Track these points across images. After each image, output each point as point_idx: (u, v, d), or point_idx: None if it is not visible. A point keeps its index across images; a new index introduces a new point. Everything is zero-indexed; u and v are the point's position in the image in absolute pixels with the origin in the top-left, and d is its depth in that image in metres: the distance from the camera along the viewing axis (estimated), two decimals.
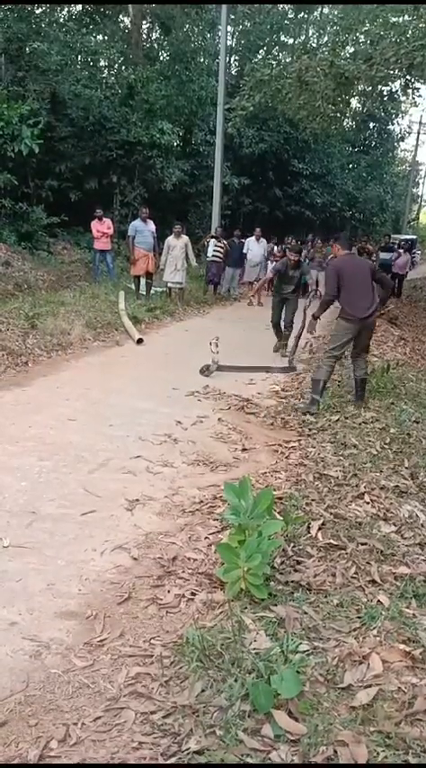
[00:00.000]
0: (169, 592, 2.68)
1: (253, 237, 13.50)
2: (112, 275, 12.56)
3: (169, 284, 11.36)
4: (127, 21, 20.22)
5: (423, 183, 51.92)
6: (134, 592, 2.69)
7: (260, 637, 2.29)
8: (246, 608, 2.50)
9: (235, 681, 2.04)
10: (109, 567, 2.88)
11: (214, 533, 3.22)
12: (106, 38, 18.92)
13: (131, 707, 2.01)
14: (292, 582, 2.72)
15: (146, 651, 2.29)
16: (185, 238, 11.10)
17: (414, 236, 31.48)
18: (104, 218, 12.28)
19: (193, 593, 2.67)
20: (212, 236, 13.37)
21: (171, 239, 10.95)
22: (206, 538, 3.17)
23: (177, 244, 10.91)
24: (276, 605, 2.52)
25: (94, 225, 12.11)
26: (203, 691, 2.03)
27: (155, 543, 3.12)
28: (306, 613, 2.48)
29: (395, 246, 18.30)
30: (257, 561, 2.47)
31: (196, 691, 2.03)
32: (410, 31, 10.34)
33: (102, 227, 12.09)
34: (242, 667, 2.11)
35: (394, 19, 11.48)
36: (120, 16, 20.30)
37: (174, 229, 11.09)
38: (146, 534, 3.20)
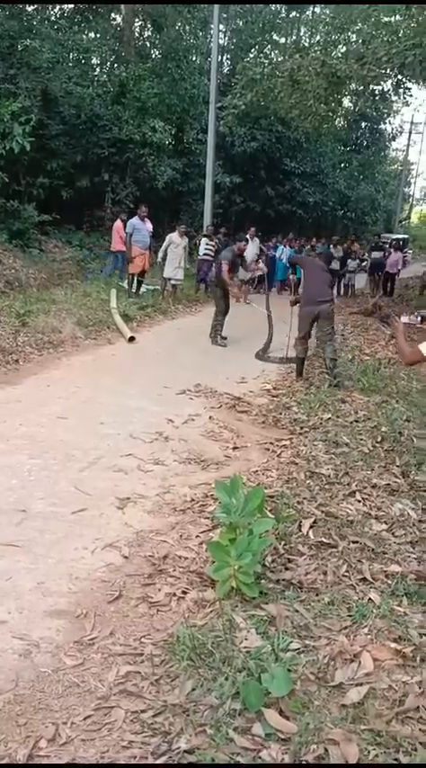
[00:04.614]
0: (160, 590, 2.67)
1: (247, 236, 13.47)
2: (105, 273, 12.55)
3: (172, 281, 11.45)
4: (119, 19, 20.16)
5: (414, 183, 52.27)
6: (124, 590, 2.68)
7: (250, 635, 2.29)
8: (237, 606, 2.50)
9: (226, 679, 2.04)
10: (99, 565, 2.86)
11: (205, 531, 3.21)
12: (98, 36, 18.84)
13: (121, 706, 2.00)
14: (283, 580, 2.72)
15: (136, 650, 2.28)
16: (186, 239, 11.46)
17: (406, 235, 31.66)
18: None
19: (184, 592, 2.66)
20: (204, 235, 13.41)
21: (175, 236, 11.09)
22: (197, 536, 3.17)
23: (182, 242, 11.19)
24: (267, 603, 2.51)
25: (119, 228, 11.99)
26: (193, 689, 2.03)
27: (146, 541, 3.10)
28: (296, 611, 2.48)
29: (386, 245, 18.38)
30: (248, 559, 2.47)
31: (186, 689, 2.02)
32: (401, 31, 10.40)
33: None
34: (232, 666, 2.10)
35: (386, 18, 11.52)
36: (112, 14, 20.24)
37: (180, 229, 11.37)
38: (136, 532, 3.19)
